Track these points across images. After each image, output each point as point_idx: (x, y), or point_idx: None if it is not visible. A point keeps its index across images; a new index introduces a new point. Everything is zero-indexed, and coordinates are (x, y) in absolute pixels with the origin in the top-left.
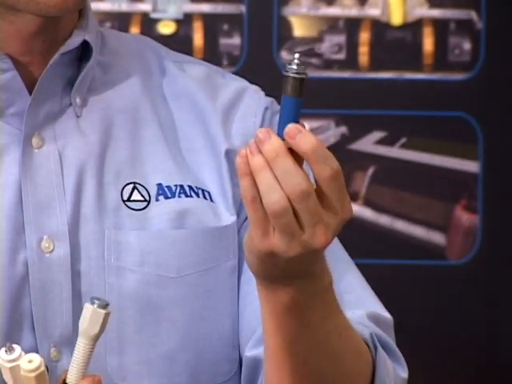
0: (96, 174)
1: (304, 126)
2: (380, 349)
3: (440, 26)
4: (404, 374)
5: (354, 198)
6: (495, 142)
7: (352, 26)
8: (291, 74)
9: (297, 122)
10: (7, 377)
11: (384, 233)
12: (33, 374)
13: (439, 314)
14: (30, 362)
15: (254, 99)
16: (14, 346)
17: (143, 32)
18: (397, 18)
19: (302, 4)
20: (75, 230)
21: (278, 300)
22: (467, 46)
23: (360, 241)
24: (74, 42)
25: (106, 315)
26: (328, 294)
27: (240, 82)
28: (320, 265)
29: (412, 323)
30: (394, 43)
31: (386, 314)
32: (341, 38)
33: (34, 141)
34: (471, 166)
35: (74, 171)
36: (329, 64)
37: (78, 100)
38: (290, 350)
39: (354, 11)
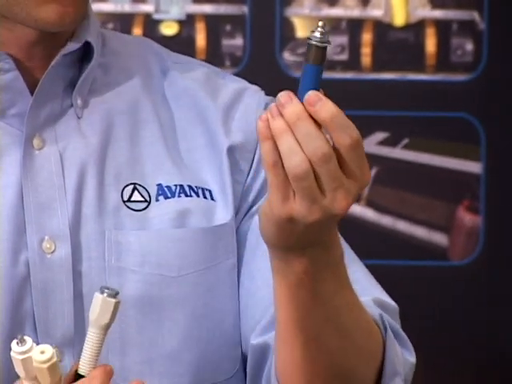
0: (96, 175)
1: (324, 94)
2: (389, 330)
3: (442, 27)
4: (412, 358)
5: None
6: (497, 142)
7: (354, 26)
8: (314, 42)
9: (317, 89)
10: (19, 369)
11: (386, 233)
12: (45, 365)
13: (441, 314)
14: (42, 353)
15: (254, 98)
16: (26, 337)
17: (146, 33)
18: (399, 19)
19: (305, 5)
20: (76, 231)
21: (291, 270)
22: (469, 46)
23: (362, 241)
24: (75, 44)
25: (117, 304)
26: (339, 267)
27: (240, 83)
28: (333, 236)
29: (414, 324)
30: (396, 44)
31: (392, 302)
32: (343, 39)
33: (35, 142)
34: (473, 167)
35: (74, 172)
36: (331, 65)
37: (79, 101)
38: (301, 324)
39: (356, 12)
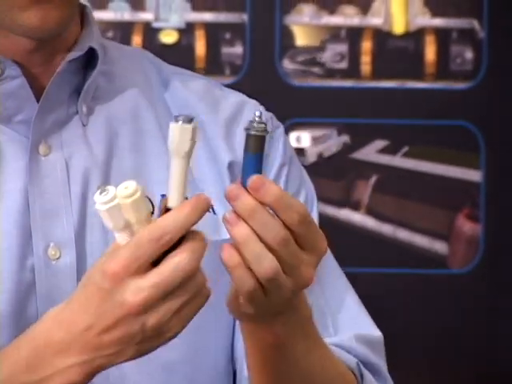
0: (101, 183)
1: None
2: (367, 375)
3: (442, 35)
4: None
5: (356, 206)
6: (497, 150)
7: (354, 35)
8: (253, 132)
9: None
10: (106, 220)
11: (386, 242)
12: (128, 200)
13: (441, 322)
14: (126, 189)
15: None
16: (108, 187)
17: (145, 41)
18: (399, 27)
19: (304, 13)
20: (81, 239)
21: (262, 337)
22: (469, 55)
23: (362, 250)
24: (81, 49)
25: (194, 129)
26: (309, 326)
27: (238, 96)
28: (300, 298)
29: (414, 331)
30: (396, 52)
31: (376, 333)
32: (343, 47)
33: (41, 148)
34: (473, 175)
35: (79, 180)
36: (331, 73)
37: (84, 108)
38: None
39: (356, 20)
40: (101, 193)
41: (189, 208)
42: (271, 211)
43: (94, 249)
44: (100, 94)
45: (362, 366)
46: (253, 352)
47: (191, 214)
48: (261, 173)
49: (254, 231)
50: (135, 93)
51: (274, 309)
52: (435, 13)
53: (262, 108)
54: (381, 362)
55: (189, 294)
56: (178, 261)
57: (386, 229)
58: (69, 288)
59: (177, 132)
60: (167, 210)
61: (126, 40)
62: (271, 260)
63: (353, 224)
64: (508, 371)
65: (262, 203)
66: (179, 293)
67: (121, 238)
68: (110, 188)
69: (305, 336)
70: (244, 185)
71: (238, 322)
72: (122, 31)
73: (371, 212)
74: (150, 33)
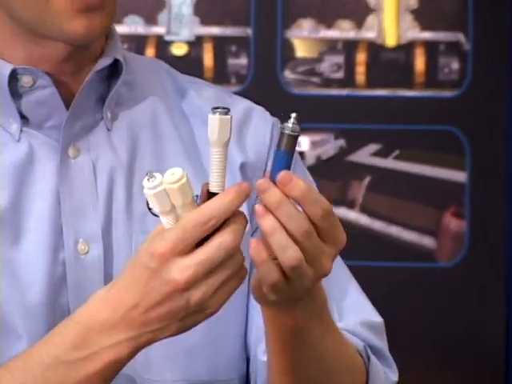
0: (125, 184)
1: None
2: (372, 358)
3: (430, 48)
4: (394, 377)
5: (351, 205)
6: (481, 154)
7: (349, 47)
8: (287, 132)
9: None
10: (153, 203)
11: (379, 237)
12: (175, 185)
13: (429, 311)
14: (173, 175)
15: (262, 119)
16: (156, 173)
17: (158, 53)
18: (391, 40)
19: (304, 27)
20: (107, 234)
21: (282, 322)
22: (455, 65)
23: (357, 244)
24: (107, 60)
25: (231, 119)
26: (324, 312)
27: (246, 102)
28: (317, 285)
29: (404, 320)
30: (388, 63)
31: (378, 319)
32: (339, 59)
33: (71, 151)
34: (459, 176)
35: (105, 180)
36: (328, 82)
37: (109, 114)
38: (292, 369)
39: (351, 34)
40: (149, 179)
41: (232, 194)
42: (298, 206)
43: (120, 243)
44: (122, 101)
45: (368, 349)
46: (273, 336)
47: (234, 200)
48: (290, 169)
49: (280, 223)
50: (154, 100)
51: (294, 296)
52: (424, 27)
53: (268, 113)
54: (384, 346)
55: (230, 271)
56: (221, 241)
57: (379, 225)
58: (97, 279)
59: (217, 123)
60: (209, 194)
61: (140, 52)
62: (295, 250)
63: (348, 221)
64: (490, 356)
65: (290, 197)
66: (221, 270)
67: (165, 220)
68: (157, 175)
69: (320, 321)
70: (273, 179)
71: (250, 313)
72: (137, 44)
73: (365, 210)
74: (162, 45)
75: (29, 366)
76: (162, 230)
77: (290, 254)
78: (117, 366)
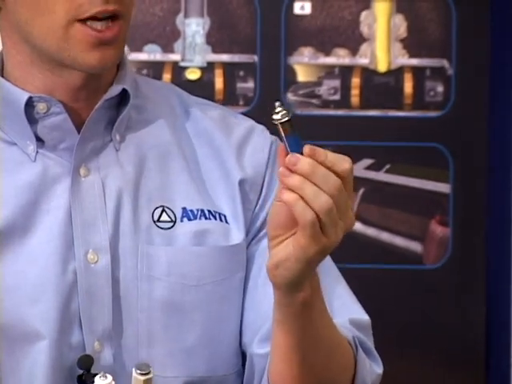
0: (132, 199)
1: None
2: (360, 349)
3: (418, 73)
4: (379, 370)
5: None
6: (463, 168)
7: (345, 72)
8: (279, 120)
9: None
10: None
11: (371, 242)
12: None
13: (416, 309)
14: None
15: (261, 137)
16: (107, 374)
17: (173, 77)
18: (382, 66)
19: (305, 54)
20: (115, 245)
21: (294, 301)
22: (440, 88)
23: (351, 249)
24: (115, 90)
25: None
26: (320, 291)
27: (249, 122)
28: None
29: (393, 318)
30: (380, 87)
31: (365, 317)
32: (336, 82)
33: (82, 171)
34: (443, 188)
35: (113, 196)
36: (326, 104)
37: (117, 137)
38: (297, 347)
39: (347, 60)
40: (101, 377)
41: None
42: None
43: (126, 253)
44: (131, 124)
45: (357, 340)
46: (283, 318)
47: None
48: (303, 145)
49: (316, 185)
50: (161, 122)
51: (311, 269)
52: (412, 54)
53: (267, 132)
54: (371, 342)
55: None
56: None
57: (371, 231)
58: (105, 285)
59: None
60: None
61: (157, 77)
62: (327, 197)
63: None
64: (473, 353)
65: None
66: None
67: None
68: (109, 376)
69: (320, 299)
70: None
71: (245, 310)
72: (154, 70)
73: (359, 218)
74: (178, 71)
75: None
76: None
77: (322, 199)
78: None
